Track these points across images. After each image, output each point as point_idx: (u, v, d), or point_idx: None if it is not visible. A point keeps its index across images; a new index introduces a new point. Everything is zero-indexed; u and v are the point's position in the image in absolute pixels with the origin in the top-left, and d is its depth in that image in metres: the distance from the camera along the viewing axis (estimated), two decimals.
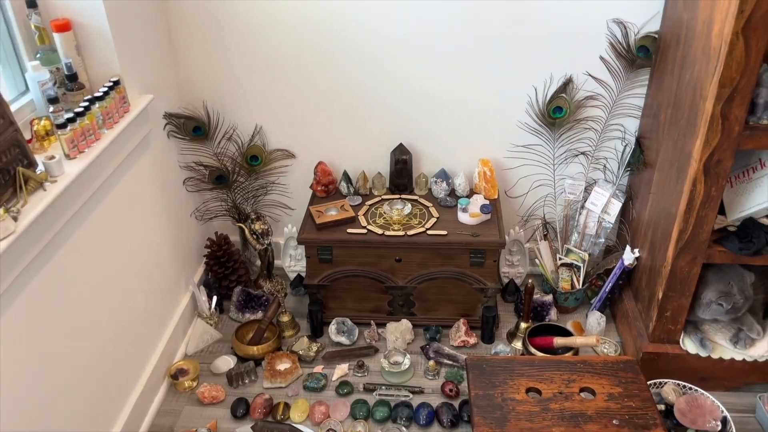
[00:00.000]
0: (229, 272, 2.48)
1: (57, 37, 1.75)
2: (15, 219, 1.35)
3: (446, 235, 2.19)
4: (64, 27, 1.74)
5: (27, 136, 1.62)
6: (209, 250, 2.46)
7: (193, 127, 2.29)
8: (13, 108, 1.66)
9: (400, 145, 2.34)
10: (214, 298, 2.44)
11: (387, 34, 2.16)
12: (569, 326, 2.29)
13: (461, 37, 2.15)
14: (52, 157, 1.52)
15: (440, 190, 2.36)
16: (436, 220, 2.26)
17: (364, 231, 2.21)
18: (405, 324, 2.32)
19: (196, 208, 2.48)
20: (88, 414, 1.73)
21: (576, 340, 2.11)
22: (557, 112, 2.23)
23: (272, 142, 2.42)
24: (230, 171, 2.40)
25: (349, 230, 2.21)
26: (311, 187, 2.41)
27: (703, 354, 2.01)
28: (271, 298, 2.46)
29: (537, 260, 2.46)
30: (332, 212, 2.27)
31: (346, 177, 2.38)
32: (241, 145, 2.39)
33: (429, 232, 2.20)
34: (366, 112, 2.32)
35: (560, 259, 2.42)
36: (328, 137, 2.39)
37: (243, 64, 2.26)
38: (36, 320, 1.49)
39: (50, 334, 1.55)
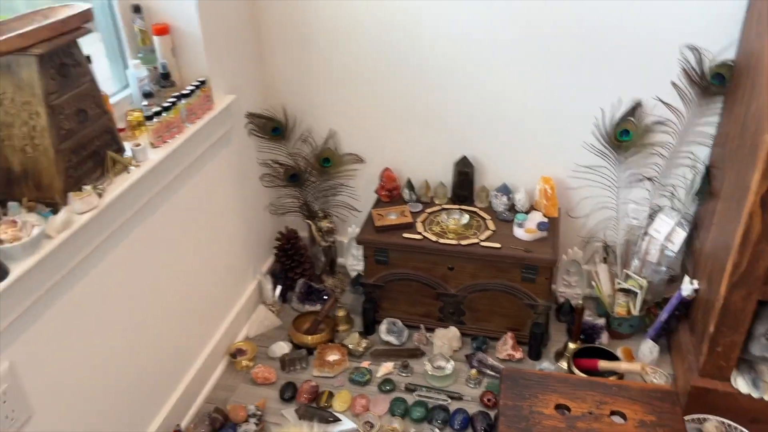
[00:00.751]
0: (295, 265, 2.64)
1: (156, 39, 1.97)
2: (100, 195, 1.56)
3: (500, 248, 2.23)
4: (162, 31, 1.97)
5: (122, 125, 1.85)
6: (279, 242, 2.64)
7: (272, 128, 2.48)
8: (113, 100, 1.91)
9: (464, 157, 2.42)
10: (279, 288, 2.61)
11: (456, 49, 2.25)
12: (619, 352, 2.26)
13: (530, 54, 2.20)
14: (139, 145, 1.73)
15: (500, 204, 2.40)
16: (491, 232, 2.31)
17: (420, 237, 2.29)
18: (453, 331, 2.38)
19: (270, 203, 2.67)
20: (154, 376, 1.94)
21: (621, 365, 2.09)
22: (624, 136, 2.22)
23: (344, 146, 2.56)
24: (303, 171, 2.57)
25: (405, 235, 2.31)
26: (376, 191, 2.53)
27: (756, 395, 1.93)
28: (330, 293, 2.60)
29: (594, 283, 2.44)
30: (392, 216, 2.38)
31: (410, 184, 2.48)
32: (315, 147, 2.55)
33: (483, 243, 2.25)
34: (433, 124, 2.42)
35: (618, 283, 2.39)
36: (396, 145, 2.50)
37: (322, 72, 2.42)
38: (111, 288, 1.70)
39: (123, 301, 1.76)
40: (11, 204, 1.46)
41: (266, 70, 2.47)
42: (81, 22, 1.51)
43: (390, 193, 2.51)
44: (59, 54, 1.46)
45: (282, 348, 2.40)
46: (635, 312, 2.36)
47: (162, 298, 1.96)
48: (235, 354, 2.35)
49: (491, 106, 2.32)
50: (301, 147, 2.57)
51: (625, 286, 2.37)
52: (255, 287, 2.58)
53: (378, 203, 2.52)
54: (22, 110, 1.44)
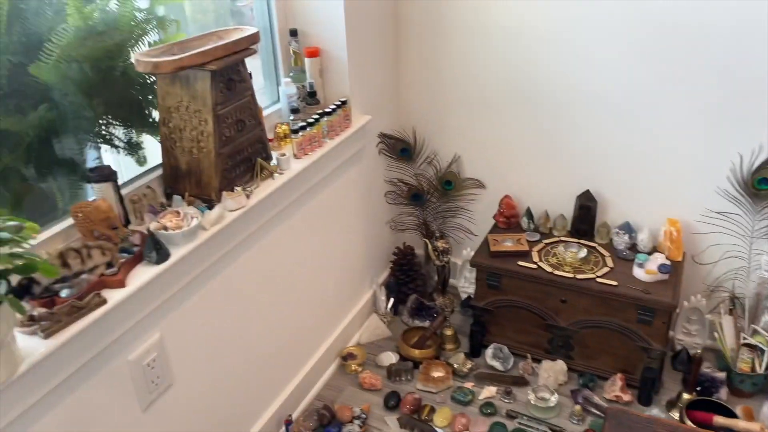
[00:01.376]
0: (409, 280, 2.75)
1: (307, 61, 2.18)
2: (248, 196, 1.75)
3: (617, 285, 2.20)
4: (314, 53, 2.17)
5: (270, 135, 2.05)
6: (396, 257, 2.76)
7: (401, 149, 2.61)
8: (265, 113, 2.12)
9: (587, 191, 2.41)
10: (392, 300, 2.73)
11: (589, 82, 2.27)
12: (738, 410, 2.14)
13: (666, 92, 2.17)
14: (284, 155, 1.92)
15: (621, 242, 2.37)
16: (609, 269, 2.28)
17: (535, 266, 2.32)
18: (560, 365, 2.37)
19: (391, 219, 2.81)
20: (274, 366, 2.11)
21: (739, 423, 1.98)
22: (763, 184, 2.13)
23: (466, 170, 2.65)
24: (426, 191, 2.68)
25: (519, 263, 2.34)
26: (494, 217, 2.58)
27: None
28: (440, 311, 2.67)
29: (717, 334, 2.33)
30: (508, 243, 2.42)
31: (529, 213, 2.51)
32: (439, 170, 2.66)
33: (599, 279, 2.23)
34: (557, 155, 2.44)
35: (744, 338, 2.27)
36: (518, 173, 2.55)
37: (452, 98, 2.53)
38: (248, 280, 1.89)
39: (256, 293, 1.95)
40: (176, 197, 1.69)
41: (400, 94, 2.62)
42: (249, 44, 1.72)
43: (508, 220, 2.55)
44: (228, 70, 1.67)
45: (390, 358, 2.50)
46: (760, 370, 2.22)
47: (289, 294, 2.13)
48: (346, 357, 2.48)
49: (621, 142, 2.31)
50: (426, 169, 2.68)
51: (752, 341, 2.24)
52: (370, 297, 2.72)
53: (495, 229, 2.57)
54: (193, 117, 1.66)
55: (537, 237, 2.48)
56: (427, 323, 2.66)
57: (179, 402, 1.69)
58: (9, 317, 1.09)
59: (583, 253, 2.35)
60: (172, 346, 1.63)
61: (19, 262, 1.07)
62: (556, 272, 2.28)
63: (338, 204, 2.34)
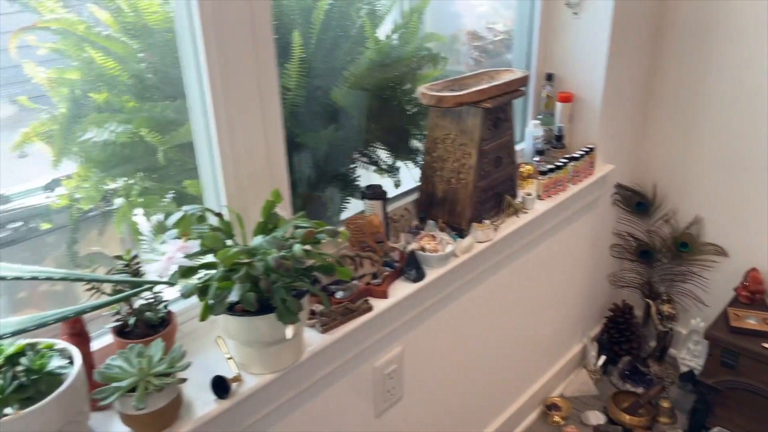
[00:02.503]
0: (624, 340, 2.61)
1: (559, 105, 2.19)
2: (495, 230, 1.80)
3: None
4: (567, 99, 2.18)
5: None
6: (612, 313, 2.65)
7: (636, 202, 2.51)
8: None
9: None
10: (603, 357, 2.61)
11: None
12: None
13: None
14: (530, 194, 1.95)
15: None
16: None
17: None
18: None
19: (612, 273, 2.70)
20: (481, 401, 2.12)
21: None
22: None
23: (707, 234, 2.47)
24: (657, 250, 2.54)
25: (764, 344, 2.11)
26: (736, 289, 2.36)
27: None
28: (656, 379, 2.50)
29: None
30: (751, 320, 2.20)
31: None
32: (675, 230, 2.50)
33: None
34: None
35: None
36: None
37: (701, 156, 2.38)
38: (477, 309, 1.93)
39: (480, 324, 1.98)
40: (430, 222, 1.79)
41: (644, 146, 2.53)
42: (519, 85, 1.78)
43: (752, 295, 2.32)
44: (498, 109, 1.75)
45: (597, 417, 2.38)
46: None
47: (506, 330, 2.14)
48: (550, 407, 2.42)
49: None
50: (660, 226, 2.54)
51: None
52: (580, 350, 2.63)
53: (735, 302, 2.35)
54: (458, 150, 1.75)
55: None
56: (640, 389, 2.50)
57: (405, 415, 1.76)
58: (307, 308, 1.22)
59: None
60: (409, 361, 1.71)
61: (324, 262, 1.20)
62: None
63: (565, 249, 2.31)
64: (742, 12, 2.15)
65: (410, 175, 1.96)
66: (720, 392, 2.23)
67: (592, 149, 2.16)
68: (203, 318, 1.05)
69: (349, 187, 1.82)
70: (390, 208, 1.84)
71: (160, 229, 1.25)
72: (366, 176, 1.94)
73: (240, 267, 1.05)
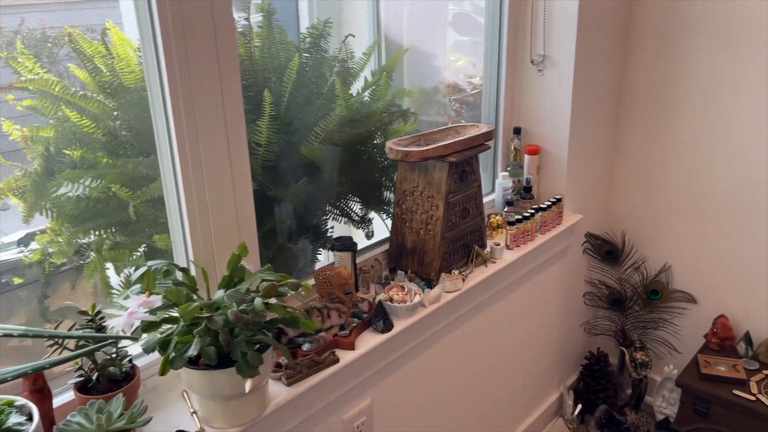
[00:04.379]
0: (600, 389, 2.62)
1: (527, 158, 2.27)
2: (464, 280, 1.83)
3: None
4: (534, 151, 2.25)
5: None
6: (587, 361, 2.66)
7: (606, 250, 2.57)
8: None
9: None
10: (579, 406, 2.60)
11: None
12: None
13: None
14: (498, 244, 1.99)
15: None
16: None
17: (753, 398, 2.10)
18: None
19: (586, 321, 2.73)
20: None
21: None
22: None
23: (677, 282, 2.51)
24: (628, 298, 2.58)
25: (735, 391, 2.14)
26: (705, 336, 2.40)
27: None
28: (632, 428, 2.49)
29: None
30: (721, 367, 2.23)
31: (747, 339, 2.30)
32: (646, 278, 2.55)
33: None
34: None
35: None
36: (736, 293, 2.36)
37: (668, 205, 2.45)
38: (447, 360, 1.95)
39: (452, 373, 1.99)
40: (400, 272, 1.82)
41: (613, 195, 2.60)
42: (484, 140, 1.85)
43: (722, 342, 2.36)
44: (463, 163, 1.80)
45: None
46: None
47: (480, 381, 2.14)
48: None
49: None
50: (631, 274, 2.59)
51: None
52: (556, 399, 2.63)
53: (705, 349, 2.38)
54: (426, 201, 1.80)
55: (756, 366, 2.25)
56: None
57: None
58: (270, 362, 1.24)
59: None
60: (378, 413, 1.71)
61: (287, 315, 1.22)
62: None
63: (537, 298, 2.34)
64: (702, 72, 2.25)
65: (384, 225, 2.00)
66: None
67: (559, 200, 2.22)
68: (162, 372, 1.06)
69: (320, 238, 1.86)
70: (361, 258, 1.88)
71: (128, 283, 1.27)
72: (340, 228, 1.98)
73: (201, 321, 1.07)
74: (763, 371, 2.23)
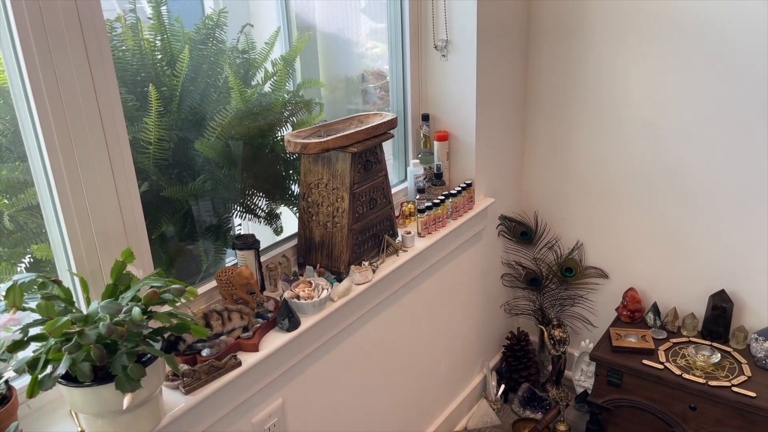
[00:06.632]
0: (522, 367, 2.67)
1: (436, 144, 2.26)
2: (374, 271, 1.81)
3: (755, 397, 2.02)
4: (443, 137, 2.25)
5: (396, 213, 2.13)
6: (509, 341, 2.70)
7: (521, 232, 2.60)
8: (393, 191, 2.20)
9: (722, 291, 2.26)
10: (502, 386, 2.65)
11: (725, 177, 2.17)
12: None
13: None
14: (409, 233, 1.98)
15: (761, 349, 2.18)
16: (746, 378, 2.10)
17: (661, 367, 2.18)
18: None
19: (506, 302, 2.77)
20: None
21: None
22: None
23: (589, 258, 2.58)
24: (544, 277, 2.63)
25: (644, 361, 2.21)
26: (617, 309, 2.48)
27: None
28: (553, 403, 2.56)
29: None
30: (631, 339, 2.30)
31: (655, 309, 2.39)
32: (560, 256, 2.61)
33: (735, 389, 2.06)
34: (689, 250, 2.33)
35: None
36: (645, 266, 2.45)
37: (577, 184, 2.51)
38: (365, 352, 1.92)
39: (372, 365, 1.97)
40: (308, 267, 1.78)
41: (523, 178, 2.64)
42: (388, 129, 1.82)
43: (632, 314, 2.44)
44: (367, 153, 1.77)
45: None
46: None
47: (402, 371, 2.14)
48: None
49: (763, 239, 2.17)
50: (545, 254, 2.64)
51: None
52: (480, 381, 2.66)
53: (617, 322, 2.46)
54: (331, 194, 1.76)
55: (663, 335, 2.34)
56: (539, 415, 2.55)
57: None
58: (161, 372, 1.18)
59: (717, 357, 2.19)
60: (292, 412, 1.67)
61: (175, 322, 1.16)
62: (686, 376, 2.13)
63: (455, 283, 2.35)
64: (602, 60, 2.30)
65: (294, 220, 1.95)
66: (610, 411, 2.31)
67: (470, 184, 2.22)
68: (30, 394, 0.98)
69: (222, 238, 1.79)
70: (267, 256, 1.83)
71: None
72: (252, 226, 1.92)
73: (73, 336, 1.00)
74: (670, 339, 2.32)
